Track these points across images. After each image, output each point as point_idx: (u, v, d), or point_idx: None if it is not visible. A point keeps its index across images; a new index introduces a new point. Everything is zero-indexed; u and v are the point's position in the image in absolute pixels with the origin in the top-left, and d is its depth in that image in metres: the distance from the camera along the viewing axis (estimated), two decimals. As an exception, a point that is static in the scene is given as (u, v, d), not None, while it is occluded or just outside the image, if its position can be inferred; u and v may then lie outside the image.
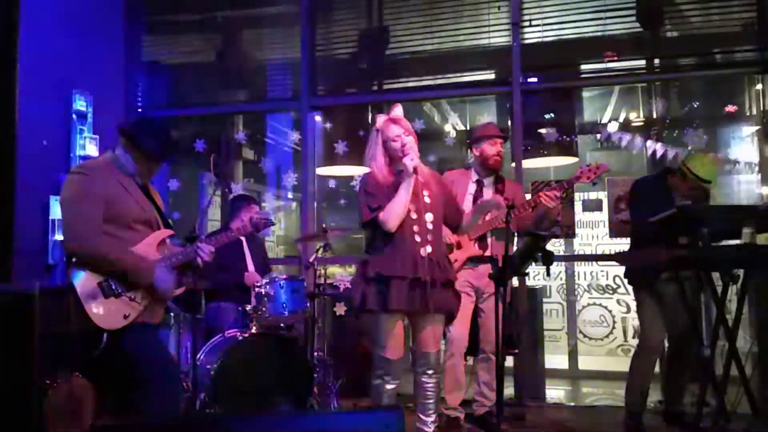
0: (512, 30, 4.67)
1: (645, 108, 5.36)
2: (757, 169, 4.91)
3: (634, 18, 4.65)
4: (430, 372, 2.87)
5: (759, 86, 4.78)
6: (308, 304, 3.95)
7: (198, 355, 3.52)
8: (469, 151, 3.76)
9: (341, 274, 5.41)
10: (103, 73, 4.84)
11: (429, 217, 2.81)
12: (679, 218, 2.96)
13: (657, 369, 3.73)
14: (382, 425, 1.69)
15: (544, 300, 5.70)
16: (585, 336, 6.03)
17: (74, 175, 2.62)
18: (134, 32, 5.25)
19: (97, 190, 2.54)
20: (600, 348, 6.03)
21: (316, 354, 4.01)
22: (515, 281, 4.36)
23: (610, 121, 5.63)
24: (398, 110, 2.88)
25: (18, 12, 3.14)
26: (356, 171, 4.99)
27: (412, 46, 5.04)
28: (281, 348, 3.66)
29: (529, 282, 4.92)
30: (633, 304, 5.66)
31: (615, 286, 5.99)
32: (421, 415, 2.91)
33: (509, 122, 4.73)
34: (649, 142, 4.87)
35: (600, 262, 5.95)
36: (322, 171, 5.13)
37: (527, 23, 4.70)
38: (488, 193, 3.67)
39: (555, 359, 5.57)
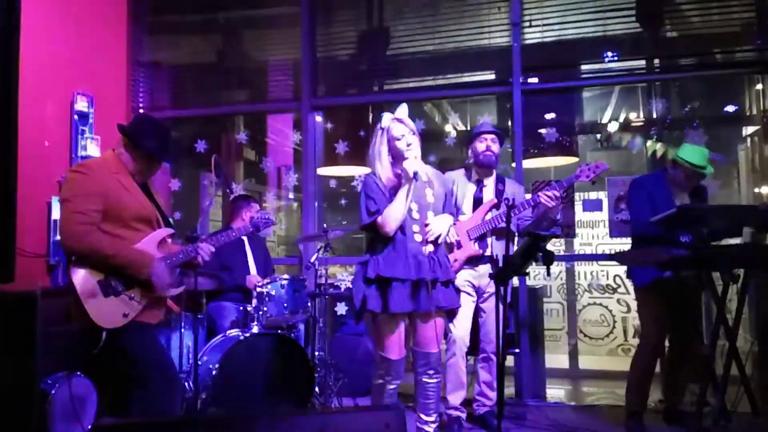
0: (512, 30, 4.68)
1: (645, 108, 5.36)
2: (758, 168, 4.92)
3: (634, 18, 4.65)
4: (431, 372, 2.88)
5: (759, 86, 4.79)
6: (309, 304, 3.96)
7: (199, 355, 3.53)
8: (469, 151, 3.78)
9: (342, 273, 5.41)
10: (105, 73, 4.85)
11: (431, 216, 2.82)
12: (679, 218, 2.97)
13: (657, 368, 3.73)
14: (382, 425, 1.70)
15: (545, 300, 5.71)
16: (585, 335, 6.03)
17: (74, 174, 2.62)
18: (136, 33, 5.25)
19: (96, 188, 2.55)
20: (600, 347, 6.03)
21: (317, 353, 4.02)
22: (516, 281, 4.37)
23: (610, 121, 5.64)
24: (403, 110, 2.88)
25: (19, 12, 3.14)
26: (357, 171, 5.00)
27: (413, 47, 5.04)
28: (282, 348, 3.66)
29: (530, 282, 4.92)
30: (633, 304, 5.68)
31: (615, 286, 6.00)
32: (422, 415, 2.92)
33: (509, 122, 4.74)
34: (649, 142, 4.88)
35: (600, 262, 5.96)
36: (322, 171, 5.13)
37: (527, 23, 4.71)
38: (488, 193, 3.69)
39: (555, 359, 5.58)
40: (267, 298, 3.74)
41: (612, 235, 4.81)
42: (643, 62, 4.81)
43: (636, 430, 3.53)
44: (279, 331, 3.78)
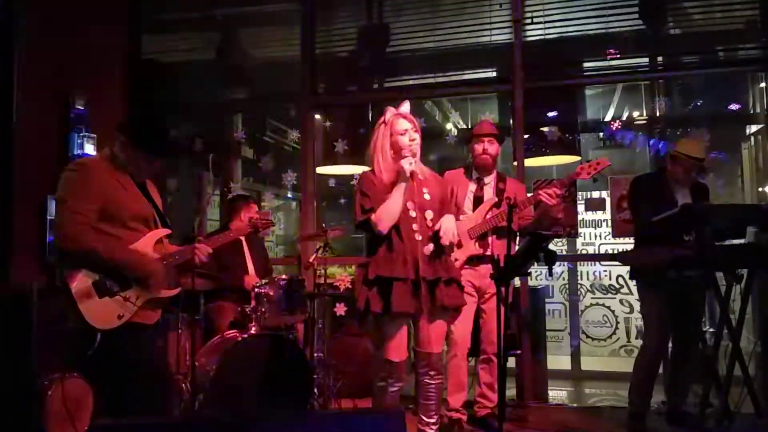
0: (514, 27, 4.64)
1: (648, 106, 5.33)
2: (761, 167, 4.88)
3: (636, 15, 4.63)
4: (432, 373, 2.85)
5: (762, 84, 4.75)
6: (308, 305, 3.92)
7: (197, 356, 3.50)
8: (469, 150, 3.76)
9: (341, 274, 5.38)
10: (102, 71, 4.82)
11: (429, 215, 2.79)
12: (682, 217, 2.94)
13: (660, 369, 3.70)
14: (383, 427, 1.67)
15: (547, 300, 5.68)
16: (588, 336, 6.00)
17: (69, 173, 2.59)
18: (133, 30, 5.22)
19: (93, 187, 2.52)
20: (603, 348, 6.01)
21: (316, 355, 3.99)
22: (517, 281, 4.33)
23: (612, 119, 5.60)
24: (406, 106, 2.86)
25: (17, 11, 3.12)
26: (356, 170, 4.96)
27: (413, 44, 5.01)
28: (281, 349, 3.63)
29: (532, 282, 4.89)
30: (636, 305, 5.66)
31: (618, 286, 5.97)
32: (423, 417, 2.89)
33: (511, 120, 4.70)
34: (652, 141, 4.86)
35: (603, 262, 5.93)
36: (321, 170, 5.10)
37: (529, 20, 4.68)
38: (489, 192, 3.66)
39: (557, 360, 5.55)
40: (265, 299, 3.71)
41: (615, 234, 4.78)
42: (645, 60, 4.78)
43: (639, 432, 3.51)
44: (277, 332, 3.75)
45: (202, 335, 3.94)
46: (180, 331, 3.73)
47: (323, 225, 4.19)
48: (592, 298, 6.05)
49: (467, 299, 3.43)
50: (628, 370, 3.70)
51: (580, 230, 5.26)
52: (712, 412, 3.14)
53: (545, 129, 4.68)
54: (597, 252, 5.99)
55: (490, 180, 3.70)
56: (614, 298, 6.00)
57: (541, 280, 5.68)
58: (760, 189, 4.93)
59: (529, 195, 3.60)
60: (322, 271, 4.10)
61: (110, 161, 2.65)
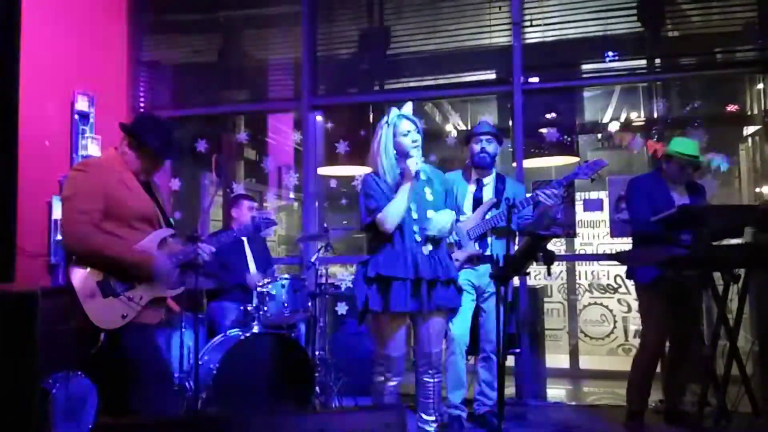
0: (513, 30, 4.67)
1: (646, 108, 5.36)
2: (758, 168, 4.91)
3: (635, 18, 4.65)
4: (431, 371, 2.88)
5: (760, 86, 4.78)
6: (310, 304, 3.95)
7: (200, 355, 3.53)
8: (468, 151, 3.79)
9: (342, 273, 5.41)
10: (105, 73, 4.85)
11: (431, 215, 2.82)
12: (680, 218, 2.97)
13: (658, 368, 3.73)
14: (383, 424, 1.70)
15: (545, 299, 5.71)
16: (586, 335, 6.03)
17: (75, 173, 2.62)
18: (137, 32, 5.25)
19: (98, 187, 2.55)
20: (601, 347, 6.03)
21: (317, 353, 4.02)
22: (516, 281, 4.36)
23: (611, 121, 5.63)
24: (408, 107, 2.89)
25: (19, 11, 3.14)
26: (357, 171, 4.99)
27: (414, 46, 5.04)
28: (283, 347, 3.66)
29: (530, 281, 4.92)
30: (634, 304, 5.68)
31: (616, 286, 6.00)
32: (422, 415, 2.92)
33: (510, 122, 4.73)
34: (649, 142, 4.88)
35: (601, 262, 5.95)
36: (323, 171, 5.13)
37: (528, 23, 4.71)
38: (488, 193, 3.68)
39: (556, 359, 5.58)
40: (267, 298, 3.74)
41: (613, 234, 4.81)
42: (644, 62, 4.81)
43: (637, 430, 3.53)
44: (279, 331, 3.78)
45: (204, 334, 3.97)
46: (183, 329, 3.76)
47: (325, 225, 4.22)
48: (590, 297, 6.08)
49: (466, 298, 3.47)
50: (626, 369, 3.73)
51: (578, 230, 5.28)
52: (710, 411, 3.16)
53: (544, 130, 4.71)
54: (595, 252, 6.01)
55: (489, 181, 3.72)
56: (612, 297, 6.02)
57: (539, 279, 5.70)
58: (757, 189, 4.96)
59: (527, 195, 3.62)
60: (324, 271, 4.13)
61: (116, 162, 2.68)
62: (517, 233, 3.67)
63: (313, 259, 4.17)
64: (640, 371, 3.58)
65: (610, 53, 4.69)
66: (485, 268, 3.55)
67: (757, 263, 2.99)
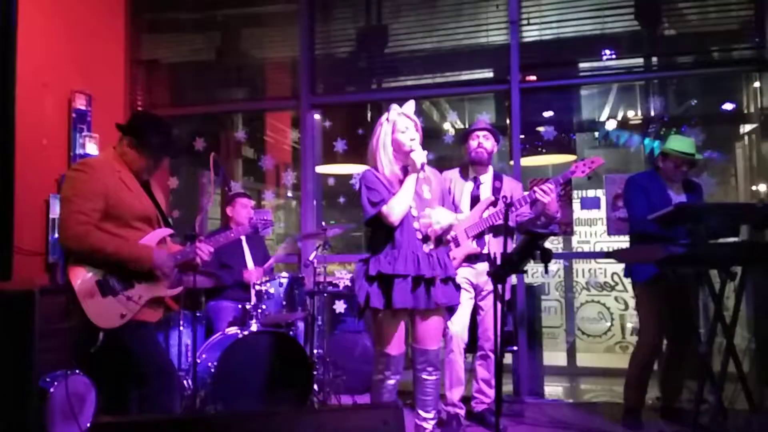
0: (511, 28, 4.68)
1: (643, 106, 5.37)
2: (755, 166, 4.93)
3: (632, 16, 4.66)
4: (430, 369, 2.88)
5: (756, 84, 4.79)
6: (308, 302, 3.96)
7: (198, 353, 3.54)
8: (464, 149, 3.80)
9: (340, 271, 5.42)
10: (103, 71, 4.84)
11: (435, 211, 2.81)
12: (677, 216, 2.98)
13: (656, 366, 3.74)
14: (381, 422, 1.70)
15: (543, 297, 5.72)
16: (583, 333, 6.05)
17: (75, 172, 2.61)
18: (134, 30, 5.25)
19: (98, 187, 2.54)
20: (598, 345, 6.05)
21: (315, 351, 4.03)
22: (514, 279, 4.38)
23: (608, 119, 5.65)
24: (410, 105, 2.89)
25: (17, 9, 3.14)
26: (355, 169, 5.00)
27: (411, 45, 5.04)
28: (281, 345, 3.67)
29: (528, 279, 4.93)
30: (631, 301, 5.70)
31: (613, 284, 6.02)
32: (421, 412, 2.93)
33: (507, 120, 4.74)
34: (647, 140, 4.90)
35: (598, 260, 5.97)
36: (321, 169, 5.14)
37: (525, 21, 4.72)
38: (485, 191, 3.69)
39: (553, 356, 5.59)
40: (266, 296, 3.75)
41: (610, 232, 4.82)
42: (641, 60, 4.82)
43: (634, 427, 3.55)
44: (278, 329, 3.79)
45: (203, 332, 3.98)
46: (182, 328, 3.77)
47: (323, 223, 4.22)
48: (587, 295, 6.10)
49: (464, 296, 3.48)
50: (623, 366, 3.74)
51: (575, 228, 5.29)
52: (707, 409, 3.18)
53: (541, 128, 4.73)
54: (592, 250, 6.03)
55: (486, 179, 3.73)
56: (609, 295, 6.04)
57: (537, 277, 5.72)
58: (753, 188, 4.97)
59: (525, 193, 3.63)
60: (322, 269, 4.14)
61: (115, 161, 2.67)
62: (515, 231, 3.68)
63: (311, 258, 4.18)
64: (637, 368, 3.59)
65: (608, 51, 4.69)
66: (483, 267, 3.56)
67: (753, 261, 2.99)
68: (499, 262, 2.81)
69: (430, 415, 2.92)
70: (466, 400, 3.71)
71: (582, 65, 4.86)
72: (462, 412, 3.65)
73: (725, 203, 4.44)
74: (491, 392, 3.66)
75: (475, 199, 3.68)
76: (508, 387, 4.39)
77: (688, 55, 4.71)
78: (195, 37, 5.49)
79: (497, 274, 2.82)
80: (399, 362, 2.84)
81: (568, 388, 5.17)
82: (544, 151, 4.81)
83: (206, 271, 3.75)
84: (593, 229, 6.03)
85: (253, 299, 3.76)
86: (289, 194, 6.50)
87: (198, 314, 3.90)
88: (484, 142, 3.67)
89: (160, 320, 2.86)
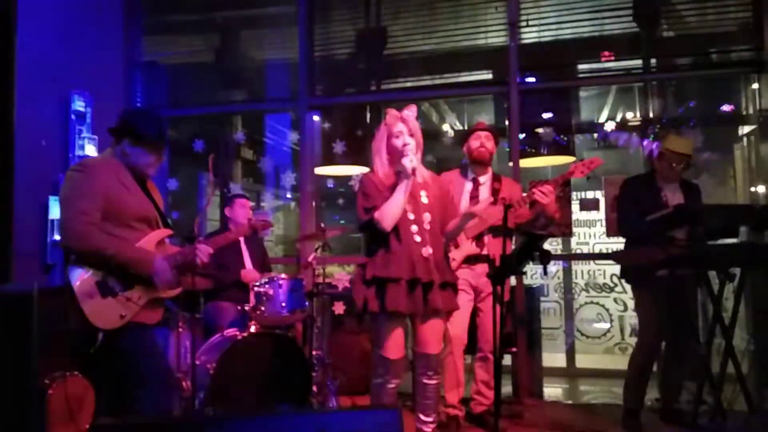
0: (509, 30, 4.69)
1: (641, 107, 5.38)
2: (753, 168, 4.93)
3: (630, 18, 4.67)
4: (430, 373, 2.88)
5: (755, 85, 4.80)
6: (307, 304, 3.96)
7: (197, 355, 3.53)
8: (464, 150, 3.80)
9: (340, 273, 5.42)
10: (102, 73, 4.84)
11: (427, 217, 2.82)
12: (676, 217, 2.98)
13: (655, 367, 3.74)
14: (380, 424, 1.70)
15: (542, 299, 5.72)
16: (582, 334, 6.05)
17: (73, 173, 2.60)
18: (133, 32, 5.25)
19: (97, 187, 2.53)
20: (597, 346, 6.05)
21: (314, 353, 4.02)
22: (513, 280, 4.38)
23: (607, 121, 5.66)
24: (411, 110, 2.89)
25: (16, 11, 3.14)
26: (354, 171, 5.00)
27: (410, 46, 5.05)
28: (280, 347, 3.66)
29: (527, 281, 4.93)
30: (630, 303, 5.70)
31: (612, 285, 6.02)
32: (421, 415, 2.93)
33: (506, 122, 4.75)
34: (645, 142, 4.90)
35: (597, 261, 5.97)
36: (320, 171, 5.14)
37: (524, 23, 4.72)
38: (485, 192, 3.69)
39: (553, 357, 5.59)
40: (265, 298, 3.74)
41: (609, 234, 4.83)
42: (639, 62, 4.83)
43: (633, 429, 3.55)
44: (277, 331, 3.78)
45: (202, 334, 3.97)
46: (180, 330, 3.76)
47: (322, 225, 4.22)
48: (586, 296, 6.10)
49: (464, 297, 3.48)
50: (622, 368, 3.74)
51: (574, 230, 5.30)
52: (706, 410, 3.18)
53: (540, 130, 4.73)
54: (591, 251, 6.03)
55: (485, 180, 3.73)
56: (608, 296, 6.05)
57: (536, 279, 5.72)
58: (752, 189, 4.98)
59: (524, 195, 3.63)
60: (321, 271, 4.14)
61: (114, 162, 2.67)
62: (514, 233, 3.68)
63: (310, 259, 4.17)
64: (636, 370, 3.59)
65: (606, 53, 4.70)
66: (482, 269, 3.56)
67: (752, 262, 3.00)
68: (498, 263, 2.80)
69: (431, 419, 2.92)
70: (465, 401, 3.71)
71: (581, 67, 4.87)
72: (461, 413, 3.65)
73: (724, 204, 4.44)
74: (491, 394, 3.65)
75: (474, 201, 3.67)
76: (507, 388, 4.38)
77: (686, 56, 4.72)
78: (194, 39, 5.49)
79: (496, 276, 2.82)
80: (398, 366, 2.83)
81: (568, 389, 5.17)
82: (543, 152, 4.81)
83: (205, 272, 3.75)
84: (592, 230, 6.04)
85: (252, 300, 3.75)
86: (288, 195, 6.50)
87: (196, 315, 3.89)
88: (486, 142, 3.67)
89: (159, 322, 2.85)
